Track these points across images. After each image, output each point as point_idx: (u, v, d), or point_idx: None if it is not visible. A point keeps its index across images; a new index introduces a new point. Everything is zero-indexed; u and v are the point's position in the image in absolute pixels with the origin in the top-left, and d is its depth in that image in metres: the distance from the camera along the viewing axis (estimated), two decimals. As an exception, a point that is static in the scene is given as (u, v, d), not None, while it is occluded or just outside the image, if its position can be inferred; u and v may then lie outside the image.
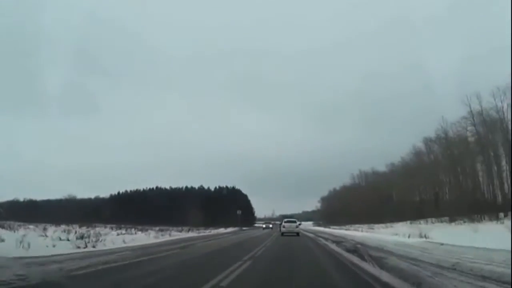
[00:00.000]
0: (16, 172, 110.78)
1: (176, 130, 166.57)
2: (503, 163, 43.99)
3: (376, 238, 22.48)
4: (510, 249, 9.97)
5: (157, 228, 39.11)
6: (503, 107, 42.89)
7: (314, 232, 41.82)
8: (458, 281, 7.27)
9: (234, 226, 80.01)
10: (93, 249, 15.44)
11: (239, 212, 70.69)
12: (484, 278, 7.44)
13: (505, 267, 8.25)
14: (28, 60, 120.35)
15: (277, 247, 19.06)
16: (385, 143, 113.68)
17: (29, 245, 12.95)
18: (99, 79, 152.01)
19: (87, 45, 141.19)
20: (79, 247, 15.39)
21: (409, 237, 21.69)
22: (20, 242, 13.20)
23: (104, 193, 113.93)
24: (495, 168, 45.03)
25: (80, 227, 33.47)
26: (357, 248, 15.64)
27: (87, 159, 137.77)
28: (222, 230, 53.32)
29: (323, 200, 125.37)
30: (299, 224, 37.48)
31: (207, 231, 44.73)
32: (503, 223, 29.88)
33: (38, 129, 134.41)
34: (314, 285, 7.85)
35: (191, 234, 34.10)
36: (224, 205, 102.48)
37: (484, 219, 38.69)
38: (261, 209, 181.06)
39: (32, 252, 12.00)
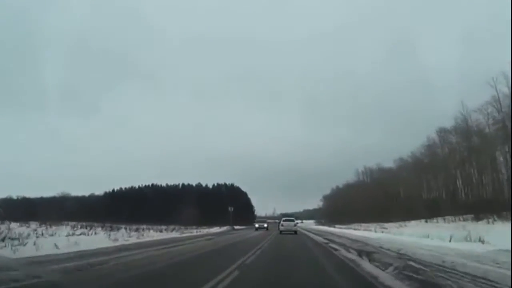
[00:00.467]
0: (8, 168, 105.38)
1: (174, 128, 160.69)
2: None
3: (409, 243, 16.10)
4: None
5: (134, 227, 33.17)
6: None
7: (320, 233, 32.61)
8: None
9: (235, 224, 74.27)
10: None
11: (230, 209, 61.88)
12: None
13: None
14: (26, 57, 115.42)
15: (264, 263, 10.81)
16: (390, 138, 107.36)
17: None
18: (95, 77, 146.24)
19: (85, 44, 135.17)
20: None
21: (450, 240, 15.73)
22: None
23: (100, 191, 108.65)
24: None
25: (40, 225, 27.53)
26: (417, 271, 8.43)
27: (83, 156, 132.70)
28: (215, 229, 47.51)
29: (325, 198, 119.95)
30: (297, 223, 36.66)
31: (196, 231, 38.82)
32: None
33: (32, 126, 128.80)
34: None
35: (172, 234, 28.11)
36: (223, 203, 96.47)
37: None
38: (262, 207, 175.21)
39: None
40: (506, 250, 10.51)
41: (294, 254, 13.60)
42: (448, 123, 51.53)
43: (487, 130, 43.15)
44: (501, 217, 34.17)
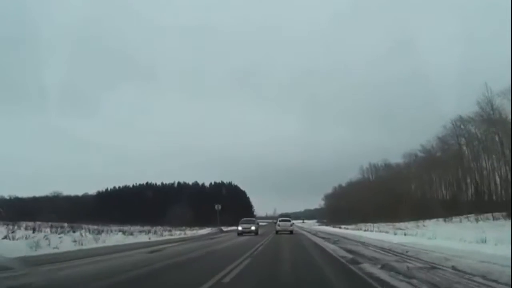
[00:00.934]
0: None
1: (172, 126, 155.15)
2: None
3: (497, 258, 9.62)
4: None
5: (96, 228, 27.30)
6: None
7: (329, 237, 23.90)
8: None
9: (230, 224, 68.35)
10: None
11: (217, 207, 49.31)
12: None
13: None
14: (15, 56, 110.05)
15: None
16: (396, 133, 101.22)
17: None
18: (90, 76, 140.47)
19: (82, 42, 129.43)
20: None
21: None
22: None
23: (93, 190, 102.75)
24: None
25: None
26: None
27: (77, 155, 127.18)
28: (204, 230, 41.70)
29: (327, 197, 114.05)
30: (293, 223, 35.91)
31: (180, 232, 32.86)
32: None
33: (26, 125, 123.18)
34: None
35: (142, 238, 21.75)
36: (220, 202, 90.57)
37: None
38: (262, 207, 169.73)
39: None
40: None
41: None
42: (465, 112, 45.68)
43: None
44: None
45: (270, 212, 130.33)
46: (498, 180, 40.76)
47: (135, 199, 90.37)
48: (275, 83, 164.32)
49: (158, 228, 38.97)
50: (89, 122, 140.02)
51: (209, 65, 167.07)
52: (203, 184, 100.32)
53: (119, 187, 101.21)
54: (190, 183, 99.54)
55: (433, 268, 8.68)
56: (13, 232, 17.75)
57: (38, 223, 33.89)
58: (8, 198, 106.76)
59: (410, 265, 9.09)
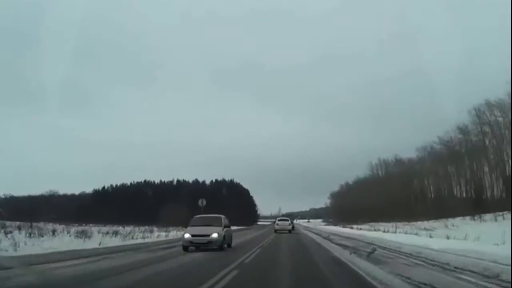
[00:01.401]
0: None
1: (173, 125, 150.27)
2: None
3: None
4: None
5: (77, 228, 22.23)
6: None
7: (347, 244, 17.04)
8: None
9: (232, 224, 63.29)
10: None
11: (202, 202, 35.21)
12: None
13: None
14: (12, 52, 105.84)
15: None
16: (407, 125, 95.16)
17: None
18: (86, 72, 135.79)
19: (79, 42, 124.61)
20: None
21: None
22: None
23: (90, 189, 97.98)
24: None
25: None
26: None
27: (75, 153, 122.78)
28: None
29: (333, 196, 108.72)
30: (291, 223, 35.20)
31: (157, 234, 27.43)
32: None
33: (22, 123, 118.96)
34: None
35: (100, 243, 16.64)
36: (221, 200, 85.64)
37: None
38: (266, 206, 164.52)
39: None
40: None
41: None
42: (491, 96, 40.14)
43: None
44: None
45: (274, 212, 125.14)
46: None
47: (132, 197, 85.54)
48: (278, 80, 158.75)
49: (143, 228, 33.95)
50: (87, 120, 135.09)
51: (209, 63, 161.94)
52: (203, 182, 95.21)
53: (116, 185, 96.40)
54: (190, 181, 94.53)
55: None
56: None
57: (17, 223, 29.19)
58: (3, 197, 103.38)
59: None
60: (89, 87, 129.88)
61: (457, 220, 34.35)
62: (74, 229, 28.42)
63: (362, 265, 9.61)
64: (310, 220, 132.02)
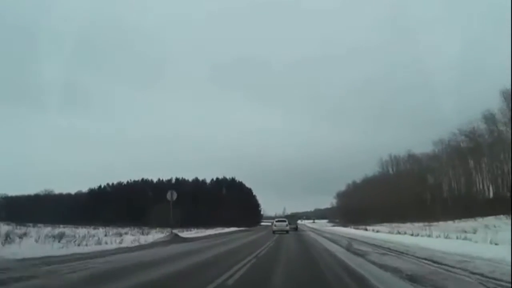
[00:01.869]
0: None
1: (175, 123, 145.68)
2: None
3: None
4: None
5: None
6: None
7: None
8: None
9: (231, 225, 58.17)
10: None
11: (171, 195, 25.34)
12: None
13: None
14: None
15: None
16: (417, 119, 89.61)
17: None
18: (82, 71, 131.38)
19: (77, 39, 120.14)
20: None
21: None
22: None
23: (87, 188, 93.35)
24: None
25: None
26: None
27: (71, 152, 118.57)
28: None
29: (340, 195, 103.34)
30: (288, 224, 35.59)
31: (145, 239, 22.13)
32: None
33: (16, 121, 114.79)
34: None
35: (73, 249, 11.84)
36: (222, 200, 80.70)
37: None
38: (271, 207, 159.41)
39: None
40: None
41: None
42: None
43: None
44: None
45: (279, 212, 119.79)
46: None
47: (128, 196, 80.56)
48: (280, 78, 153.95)
49: (126, 229, 29.13)
50: (83, 118, 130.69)
51: (209, 61, 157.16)
52: (203, 180, 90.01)
53: (112, 183, 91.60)
54: (190, 179, 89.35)
55: None
56: None
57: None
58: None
59: None
60: (85, 85, 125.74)
61: (490, 219, 28.94)
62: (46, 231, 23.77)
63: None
64: (315, 221, 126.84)
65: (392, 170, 71.67)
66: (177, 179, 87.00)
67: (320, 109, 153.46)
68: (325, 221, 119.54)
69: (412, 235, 21.04)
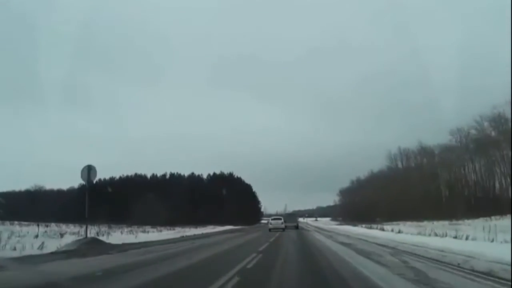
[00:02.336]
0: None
1: (175, 121, 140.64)
2: None
3: None
4: None
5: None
6: None
7: None
8: None
9: (227, 223, 53.27)
10: None
11: (87, 173, 15.92)
12: None
13: None
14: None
15: None
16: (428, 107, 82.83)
17: None
18: (78, 66, 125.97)
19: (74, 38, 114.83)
20: None
21: None
22: None
23: (79, 184, 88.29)
24: None
25: None
26: None
27: (65, 146, 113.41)
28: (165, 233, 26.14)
29: (343, 192, 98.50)
30: (283, 222, 36.65)
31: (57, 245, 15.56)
32: None
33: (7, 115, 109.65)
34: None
35: None
36: (220, 196, 75.69)
37: None
38: (272, 204, 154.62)
39: None
40: None
41: None
42: None
43: None
44: None
45: (280, 210, 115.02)
46: None
47: (122, 192, 75.61)
48: (282, 74, 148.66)
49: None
50: (77, 113, 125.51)
51: (209, 58, 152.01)
52: (199, 176, 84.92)
53: (104, 179, 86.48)
54: (185, 174, 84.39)
55: None
56: None
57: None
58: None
59: None
60: (82, 81, 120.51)
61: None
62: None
63: None
64: (318, 219, 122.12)
65: (402, 164, 66.67)
66: (171, 175, 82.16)
67: (322, 104, 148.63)
68: (328, 219, 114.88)
69: (456, 237, 15.88)
